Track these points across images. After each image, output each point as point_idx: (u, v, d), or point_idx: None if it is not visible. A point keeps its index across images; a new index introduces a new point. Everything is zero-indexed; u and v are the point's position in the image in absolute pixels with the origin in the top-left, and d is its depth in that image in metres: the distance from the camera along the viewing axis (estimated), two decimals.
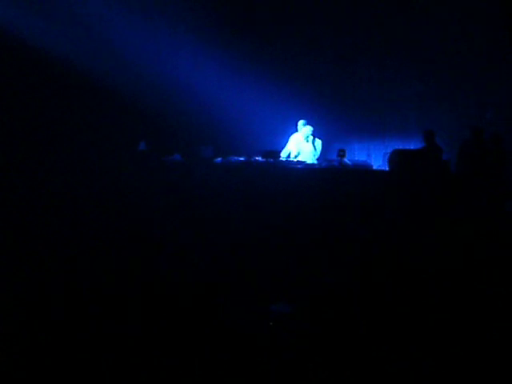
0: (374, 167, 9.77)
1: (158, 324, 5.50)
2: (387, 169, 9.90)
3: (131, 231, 7.88)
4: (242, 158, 9.90)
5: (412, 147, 9.82)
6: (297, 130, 10.68)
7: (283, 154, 10.25)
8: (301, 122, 10.68)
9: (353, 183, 8.87)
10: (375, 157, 11.26)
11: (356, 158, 10.67)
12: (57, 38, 10.35)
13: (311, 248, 7.61)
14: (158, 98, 11.24)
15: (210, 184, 8.92)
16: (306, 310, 5.84)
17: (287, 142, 10.68)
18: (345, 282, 6.39)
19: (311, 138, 10.49)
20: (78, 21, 10.74)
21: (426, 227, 7.67)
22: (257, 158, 9.86)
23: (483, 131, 9.15)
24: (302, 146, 10.55)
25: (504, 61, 10.35)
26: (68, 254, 7.08)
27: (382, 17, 11.49)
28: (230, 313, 5.75)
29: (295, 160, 10.13)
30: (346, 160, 10.02)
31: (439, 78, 11.34)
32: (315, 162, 10.29)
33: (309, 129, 10.51)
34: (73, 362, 4.84)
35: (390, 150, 9.93)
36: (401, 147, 9.70)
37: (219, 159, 9.87)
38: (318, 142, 10.50)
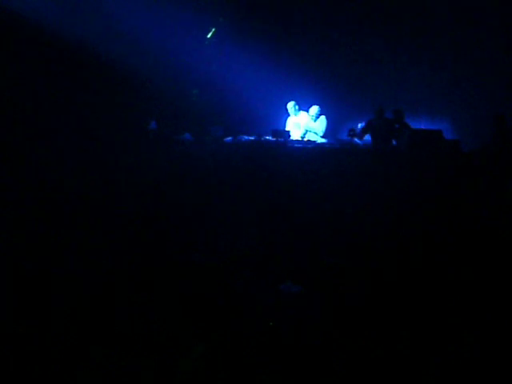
0: None
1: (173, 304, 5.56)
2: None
3: (143, 211, 7.91)
4: (252, 138, 9.92)
5: (422, 127, 9.82)
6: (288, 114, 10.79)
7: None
8: (291, 104, 10.79)
9: (362, 163, 8.86)
10: None
11: (366, 138, 10.62)
12: (70, 17, 10.35)
13: (319, 228, 7.63)
14: (169, 79, 11.22)
15: (220, 163, 8.93)
16: (315, 292, 5.89)
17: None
18: (353, 264, 6.42)
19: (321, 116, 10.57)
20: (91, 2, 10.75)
21: (435, 210, 7.66)
22: (267, 138, 9.88)
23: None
24: (310, 124, 10.58)
25: None
26: (76, 234, 7.10)
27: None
28: (241, 294, 5.82)
29: (305, 140, 10.13)
30: (356, 140, 10.02)
31: (451, 59, 11.27)
32: (321, 139, 10.34)
33: (317, 108, 10.55)
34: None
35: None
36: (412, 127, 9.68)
37: (229, 138, 9.90)
38: (323, 119, 10.57)
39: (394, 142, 9.83)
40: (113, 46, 10.65)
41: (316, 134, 10.42)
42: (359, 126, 10.02)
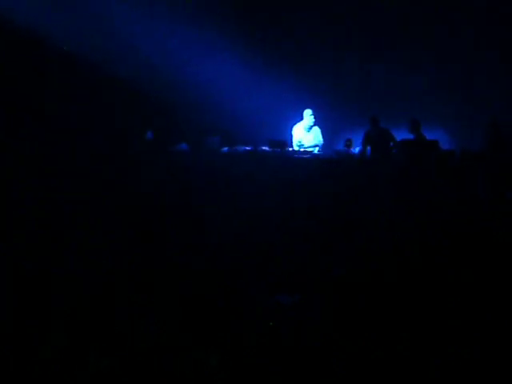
0: None
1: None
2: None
3: (139, 221, 7.90)
4: (248, 148, 9.94)
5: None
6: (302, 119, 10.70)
7: (295, 146, 10.30)
8: (307, 112, 10.68)
9: (359, 173, 8.92)
10: None
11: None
12: (69, 29, 10.46)
13: (317, 239, 7.64)
14: (165, 88, 11.27)
15: (216, 174, 8.95)
16: (313, 302, 5.88)
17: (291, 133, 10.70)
18: (353, 274, 6.40)
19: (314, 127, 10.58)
20: (89, 12, 10.85)
21: (432, 218, 7.70)
22: (263, 148, 9.90)
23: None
24: (303, 136, 10.59)
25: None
26: (74, 243, 7.06)
27: (390, 7, 11.52)
28: (241, 296, 5.81)
29: (302, 150, 10.17)
30: (352, 150, 10.10)
31: (445, 68, 11.40)
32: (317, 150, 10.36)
33: (310, 119, 10.53)
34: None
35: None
36: (408, 137, 9.76)
37: (225, 149, 9.92)
38: (317, 130, 10.54)
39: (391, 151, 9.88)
40: (109, 55, 10.73)
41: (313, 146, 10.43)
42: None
